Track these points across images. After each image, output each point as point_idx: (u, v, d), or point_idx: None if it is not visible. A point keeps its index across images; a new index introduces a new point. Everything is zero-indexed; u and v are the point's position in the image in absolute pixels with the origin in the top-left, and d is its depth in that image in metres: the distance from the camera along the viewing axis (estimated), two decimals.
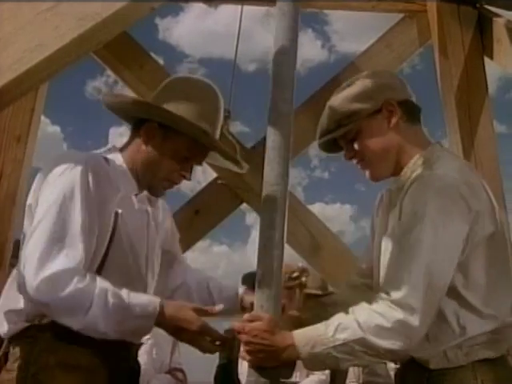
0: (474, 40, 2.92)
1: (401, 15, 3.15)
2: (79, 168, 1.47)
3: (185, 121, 1.60)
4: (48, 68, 1.65)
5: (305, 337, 1.46)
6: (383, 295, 1.43)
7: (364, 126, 1.61)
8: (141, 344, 1.68)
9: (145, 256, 1.64)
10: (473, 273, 1.47)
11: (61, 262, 1.38)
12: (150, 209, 1.70)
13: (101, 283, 1.41)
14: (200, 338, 1.49)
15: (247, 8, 2.56)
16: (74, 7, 1.62)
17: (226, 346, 1.57)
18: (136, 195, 1.65)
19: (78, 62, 1.77)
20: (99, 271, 1.49)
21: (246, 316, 1.50)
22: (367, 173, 1.67)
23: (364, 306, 1.45)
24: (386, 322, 1.39)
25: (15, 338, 1.48)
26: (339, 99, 1.65)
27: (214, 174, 2.93)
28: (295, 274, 3.87)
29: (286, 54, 1.61)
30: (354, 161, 1.67)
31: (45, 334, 1.44)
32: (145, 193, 1.68)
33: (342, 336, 1.41)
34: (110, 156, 1.63)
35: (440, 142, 1.69)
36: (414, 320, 1.37)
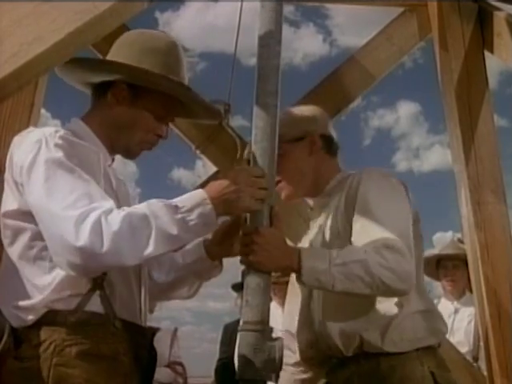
0: (475, 34, 2.91)
1: (401, 9, 3.13)
2: (54, 139, 1.43)
3: (158, 77, 1.55)
4: (46, 61, 1.64)
5: (310, 251, 1.60)
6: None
7: (287, 149, 1.79)
8: (157, 329, 1.62)
9: None
10: None
11: (93, 213, 1.30)
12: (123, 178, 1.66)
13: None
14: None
15: (247, 1, 2.54)
16: (72, 0, 1.62)
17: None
18: (109, 165, 1.61)
19: (76, 55, 1.77)
20: None
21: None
22: (282, 193, 1.84)
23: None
24: (386, 261, 1.49)
25: (31, 326, 1.40)
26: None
27: (215, 168, 2.92)
28: None
29: (270, 47, 1.61)
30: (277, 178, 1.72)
31: (63, 323, 1.39)
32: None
33: (345, 257, 1.51)
34: (74, 127, 1.57)
35: None
36: (409, 265, 1.51)
